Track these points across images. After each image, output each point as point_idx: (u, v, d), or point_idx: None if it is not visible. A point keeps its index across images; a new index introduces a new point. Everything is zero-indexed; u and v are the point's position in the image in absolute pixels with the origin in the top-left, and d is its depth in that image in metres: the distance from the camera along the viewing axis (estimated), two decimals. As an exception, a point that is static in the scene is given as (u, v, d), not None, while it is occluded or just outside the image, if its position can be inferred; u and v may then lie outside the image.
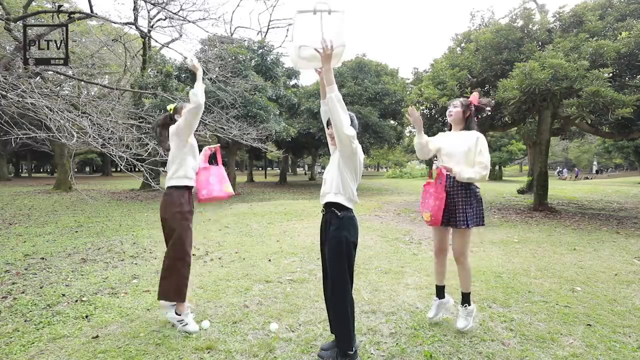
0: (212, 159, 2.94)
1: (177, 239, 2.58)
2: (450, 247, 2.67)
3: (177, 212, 2.58)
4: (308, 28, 2.06)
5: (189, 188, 2.66)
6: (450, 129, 2.73)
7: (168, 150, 2.70)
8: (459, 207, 2.52)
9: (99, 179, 28.76)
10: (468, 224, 2.49)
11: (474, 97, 2.60)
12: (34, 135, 4.45)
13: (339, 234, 2.14)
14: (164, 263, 2.62)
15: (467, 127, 2.60)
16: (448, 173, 2.52)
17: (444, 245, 2.71)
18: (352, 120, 2.22)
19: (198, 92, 2.51)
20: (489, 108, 2.68)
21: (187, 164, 2.63)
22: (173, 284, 2.58)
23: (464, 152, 2.50)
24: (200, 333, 2.58)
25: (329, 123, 2.34)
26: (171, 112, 2.80)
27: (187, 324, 2.58)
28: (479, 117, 2.65)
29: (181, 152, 2.62)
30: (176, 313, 2.61)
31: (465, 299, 2.63)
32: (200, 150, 2.88)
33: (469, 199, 2.52)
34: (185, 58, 2.76)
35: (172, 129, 2.65)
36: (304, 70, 2.41)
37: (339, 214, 2.16)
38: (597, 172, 39.59)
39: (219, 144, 2.94)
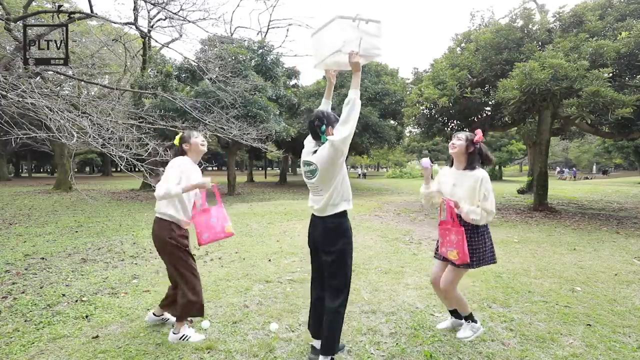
0: (210, 198, 2.76)
1: (180, 273, 2.46)
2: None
3: (170, 240, 2.42)
4: (345, 34, 2.09)
5: (175, 226, 2.48)
6: (451, 165, 2.55)
7: None
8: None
9: (99, 179, 28.77)
10: (473, 265, 2.38)
11: (480, 134, 2.42)
12: (34, 135, 4.44)
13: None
14: (179, 285, 2.49)
15: (470, 164, 2.42)
16: (455, 209, 2.38)
17: (440, 278, 2.55)
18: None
19: (172, 190, 2.31)
20: (489, 165, 2.53)
21: (181, 205, 2.47)
22: (189, 309, 2.47)
23: (466, 192, 2.38)
24: (200, 333, 2.58)
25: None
26: (177, 144, 2.61)
27: (189, 337, 2.48)
28: (482, 164, 2.46)
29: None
30: (174, 333, 2.49)
31: (468, 318, 2.55)
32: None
33: (479, 239, 2.41)
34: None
35: (170, 164, 2.46)
36: (322, 69, 2.43)
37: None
38: (604, 172, 39.33)
39: (216, 184, 2.68)
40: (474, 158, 2.41)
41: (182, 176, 2.40)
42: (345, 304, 2.15)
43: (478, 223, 2.34)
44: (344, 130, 1.98)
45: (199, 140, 2.58)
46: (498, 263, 4.44)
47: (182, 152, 2.58)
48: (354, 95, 2.02)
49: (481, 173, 2.35)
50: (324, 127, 2.09)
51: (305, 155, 2.19)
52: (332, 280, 2.14)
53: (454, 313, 2.68)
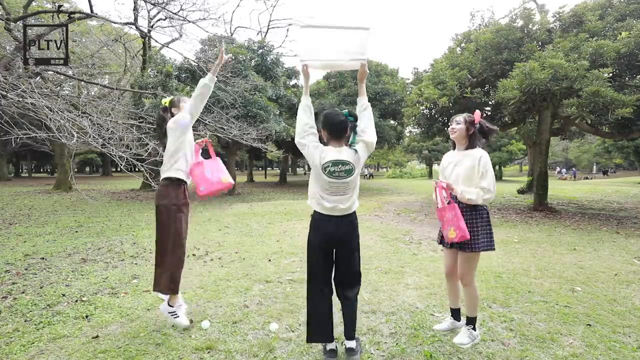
0: (204, 154, 2.88)
1: (173, 232, 2.55)
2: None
3: (173, 205, 2.54)
4: (361, 42, 2.25)
5: (184, 182, 2.63)
6: (454, 147, 2.58)
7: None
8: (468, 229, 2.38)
9: (99, 179, 28.76)
10: (473, 247, 2.37)
11: (478, 114, 2.45)
12: (34, 135, 4.44)
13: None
14: (159, 255, 2.58)
15: (471, 144, 2.44)
16: (450, 191, 2.40)
17: (453, 269, 2.56)
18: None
19: (208, 79, 2.57)
20: (494, 135, 2.53)
21: (185, 158, 2.60)
22: (169, 276, 2.56)
23: (465, 171, 2.38)
24: (200, 333, 2.59)
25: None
26: (167, 105, 2.74)
27: (178, 316, 2.56)
28: (486, 139, 2.46)
29: (181, 146, 2.58)
30: (169, 304, 2.59)
31: (470, 322, 2.49)
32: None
33: (476, 221, 2.39)
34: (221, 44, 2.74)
35: (171, 122, 2.61)
36: (316, 68, 2.47)
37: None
38: (604, 172, 39.26)
39: (208, 138, 2.85)
40: (474, 138, 2.44)
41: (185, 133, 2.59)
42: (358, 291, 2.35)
43: (475, 202, 2.33)
44: (374, 133, 2.26)
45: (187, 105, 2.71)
46: (498, 263, 4.46)
47: (171, 115, 2.71)
48: (367, 101, 2.31)
49: (480, 152, 2.38)
50: (356, 127, 2.23)
51: (336, 155, 2.14)
52: (354, 271, 2.30)
53: (455, 314, 2.65)
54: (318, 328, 2.26)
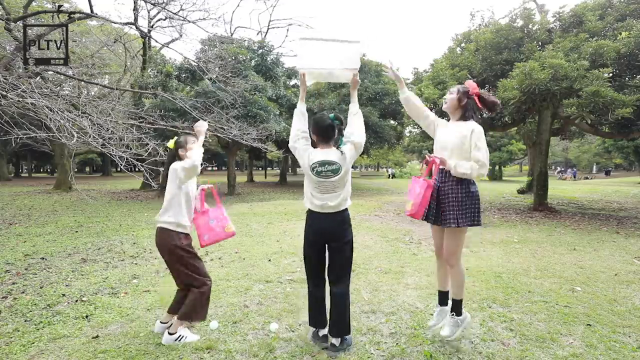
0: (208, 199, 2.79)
1: (181, 271, 2.46)
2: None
3: (173, 245, 2.43)
4: (354, 53, 2.43)
5: (180, 234, 2.48)
6: (449, 119, 2.52)
7: None
8: (451, 203, 2.32)
9: (99, 179, 28.76)
10: (458, 222, 2.28)
11: (471, 84, 2.37)
12: (34, 135, 4.44)
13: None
14: (189, 296, 2.48)
15: (463, 116, 2.37)
16: (441, 165, 2.33)
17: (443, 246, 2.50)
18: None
19: (198, 154, 2.45)
20: (496, 109, 2.44)
21: (180, 210, 2.47)
22: (197, 307, 2.46)
23: (457, 144, 2.30)
24: (200, 333, 2.59)
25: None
26: (172, 148, 2.61)
27: (185, 337, 2.47)
28: (481, 114, 2.50)
29: (177, 196, 2.47)
30: (170, 333, 2.47)
31: (455, 306, 2.41)
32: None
33: (461, 195, 2.31)
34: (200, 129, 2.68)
35: (172, 168, 2.46)
36: (312, 79, 2.59)
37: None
38: (606, 172, 39.21)
39: (214, 185, 2.74)
40: (466, 109, 2.37)
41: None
42: (349, 287, 2.46)
43: (469, 177, 2.27)
44: (363, 134, 2.40)
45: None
46: (498, 263, 4.46)
47: (178, 157, 2.57)
48: (358, 107, 2.45)
49: (474, 124, 2.32)
50: (342, 130, 2.40)
51: (323, 155, 2.30)
52: (345, 266, 2.41)
53: (443, 298, 2.57)
54: (313, 313, 2.48)
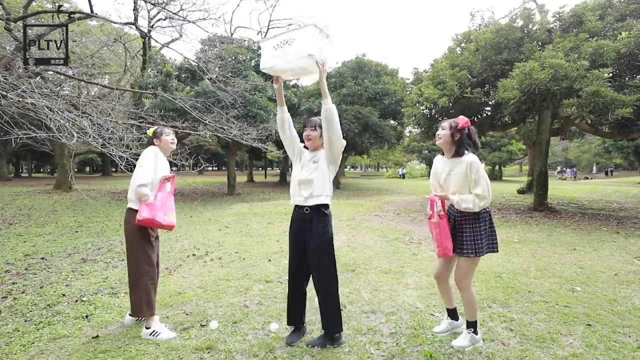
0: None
1: (139, 254, 2.57)
2: (453, 273, 2.49)
3: (137, 231, 2.54)
4: (317, 42, 2.27)
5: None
6: (442, 153, 2.52)
7: None
8: (467, 234, 2.33)
9: (99, 179, 28.75)
10: (476, 252, 2.30)
11: (463, 120, 2.37)
12: (34, 135, 4.44)
13: (329, 230, 2.44)
14: (130, 278, 2.62)
15: (458, 151, 2.36)
16: (445, 200, 2.38)
17: (443, 272, 2.51)
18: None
19: (146, 193, 2.50)
20: (476, 148, 2.43)
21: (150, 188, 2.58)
22: (143, 299, 2.55)
23: (458, 181, 2.32)
24: (200, 333, 2.59)
25: (305, 125, 2.54)
26: (150, 136, 2.77)
27: (159, 334, 2.51)
28: (476, 145, 2.39)
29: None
30: (146, 328, 2.54)
31: (471, 325, 2.42)
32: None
33: (478, 225, 2.33)
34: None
35: (138, 164, 2.61)
36: (283, 75, 2.63)
37: (326, 212, 2.45)
38: (606, 173, 39.20)
39: (174, 175, 2.76)
40: (461, 144, 2.36)
41: (156, 166, 2.62)
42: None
43: (472, 210, 2.28)
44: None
45: (169, 138, 2.78)
46: (498, 263, 4.46)
47: (153, 144, 2.74)
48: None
49: (469, 157, 2.30)
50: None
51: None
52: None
53: (452, 314, 2.61)
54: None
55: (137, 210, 2.54)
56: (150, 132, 2.80)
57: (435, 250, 2.39)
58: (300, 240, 2.47)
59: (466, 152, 2.34)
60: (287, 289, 2.58)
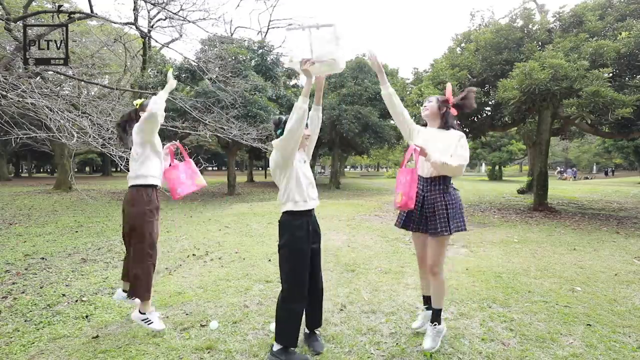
0: (177, 156, 2.94)
1: (144, 236, 2.51)
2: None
3: (146, 209, 2.51)
4: (299, 43, 2.25)
5: (153, 186, 2.59)
6: (425, 125, 2.52)
7: (130, 148, 2.65)
8: (438, 212, 2.31)
9: (99, 179, 28.74)
10: (450, 229, 2.28)
11: (449, 92, 2.39)
12: (34, 135, 4.45)
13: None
14: (133, 260, 2.55)
15: (444, 125, 2.40)
16: (421, 155, 2.27)
17: (425, 255, 2.49)
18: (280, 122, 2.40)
19: (158, 100, 2.53)
20: (468, 109, 2.44)
21: (149, 163, 2.56)
22: (143, 282, 2.52)
23: (440, 149, 2.29)
24: (200, 333, 2.59)
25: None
26: (137, 107, 2.73)
27: (152, 322, 2.53)
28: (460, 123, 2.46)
29: (144, 152, 2.55)
30: (140, 312, 2.54)
31: (436, 316, 2.40)
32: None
33: (448, 203, 2.32)
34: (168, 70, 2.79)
35: (135, 126, 2.59)
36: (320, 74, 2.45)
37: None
38: (606, 173, 39.17)
39: (178, 142, 2.92)
40: (447, 118, 2.40)
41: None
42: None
43: (449, 168, 2.22)
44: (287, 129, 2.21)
45: None
46: (498, 263, 4.46)
47: (138, 117, 2.69)
48: (298, 102, 2.15)
49: (460, 133, 2.35)
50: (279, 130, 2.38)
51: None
52: (281, 272, 2.34)
53: (428, 302, 2.58)
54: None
55: (141, 190, 2.53)
56: (137, 103, 2.76)
57: (398, 199, 2.20)
58: (307, 242, 2.29)
59: (454, 127, 2.40)
60: (293, 308, 2.26)
